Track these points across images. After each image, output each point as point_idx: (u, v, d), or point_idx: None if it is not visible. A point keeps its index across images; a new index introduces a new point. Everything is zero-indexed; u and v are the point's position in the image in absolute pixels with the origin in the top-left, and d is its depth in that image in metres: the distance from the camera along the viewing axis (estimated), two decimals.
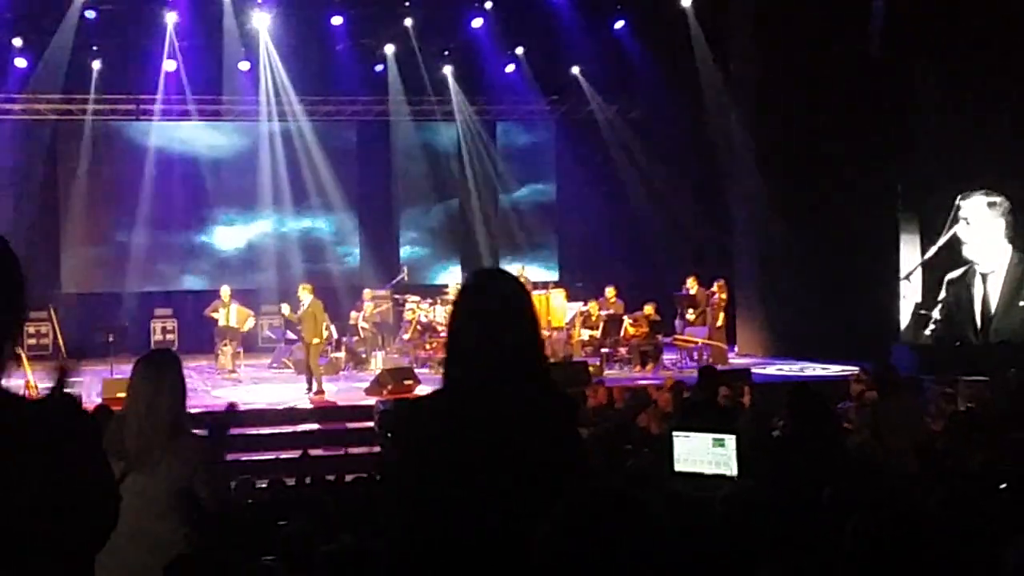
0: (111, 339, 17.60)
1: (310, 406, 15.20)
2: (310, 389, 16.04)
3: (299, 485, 10.07)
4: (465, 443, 2.97)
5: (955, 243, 17.24)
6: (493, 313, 3.05)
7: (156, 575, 4.46)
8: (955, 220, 17.24)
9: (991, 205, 17.03)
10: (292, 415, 14.67)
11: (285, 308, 17.46)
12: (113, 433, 4.50)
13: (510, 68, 22.80)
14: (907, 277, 17.56)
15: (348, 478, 9.72)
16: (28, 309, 2.54)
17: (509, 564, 2.89)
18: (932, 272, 17.51)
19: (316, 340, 16.24)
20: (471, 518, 2.95)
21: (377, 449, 12.22)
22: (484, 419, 2.99)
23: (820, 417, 7.90)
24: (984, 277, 17.13)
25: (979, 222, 17.10)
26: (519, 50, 22.52)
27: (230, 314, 18.34)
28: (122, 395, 12.80)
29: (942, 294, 17.41)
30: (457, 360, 3.09)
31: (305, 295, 16.45)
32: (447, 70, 22.66)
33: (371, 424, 13.63)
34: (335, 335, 19.09)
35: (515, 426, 2.98)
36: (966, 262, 17.20)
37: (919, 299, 17.61)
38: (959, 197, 17.13)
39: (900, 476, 7.62)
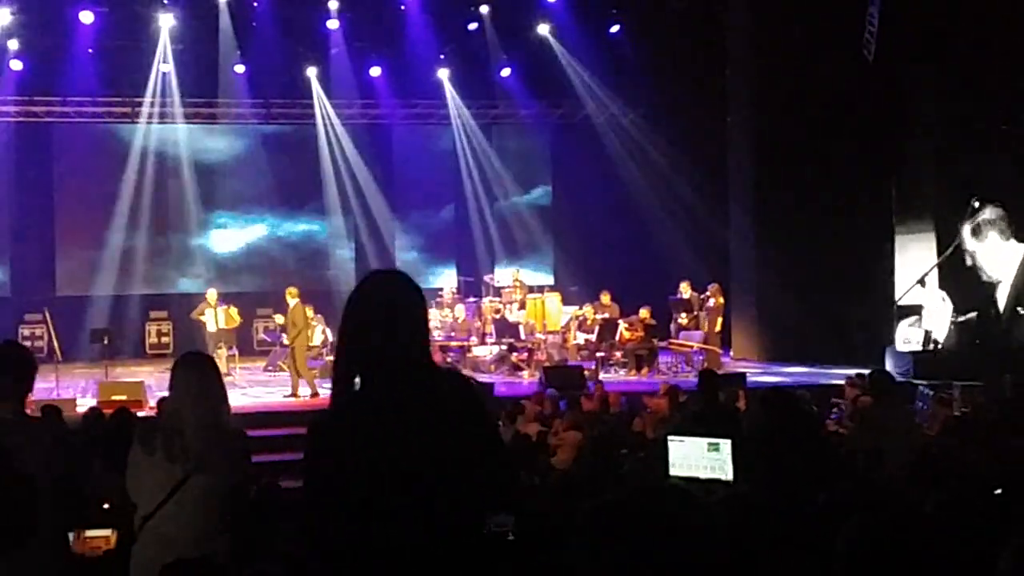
0: (106, 342, 17.60)
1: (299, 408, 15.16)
2: (294, 394, 16.00)
3: (295, 488, 10.06)
4: (375, 445, 3.00)
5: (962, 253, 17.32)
6: (380, 317, 3.10)
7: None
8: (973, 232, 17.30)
9: (990, 223, 17.18)
10: (287, 418, 14.63)
11: (279, 318, 17.46)
12: (170, 439, 4.53)
13: (506, 72, 22.82)
14: (920, 281, 17.53)
15: None
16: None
17: (445, 554, 2.97)
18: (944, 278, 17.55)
19: (297, 343, 16.19)
20: (398, 516, 2.98)
21: None
22: (389, 418, 3.03)
23: (798, 420, 7.92)
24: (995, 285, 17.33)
25: (986, 237, 17.24)
26: (515, 54, 22.52)
27: (217, 316, 18.32)
28: (117, 398, 12.85)
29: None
30: (348, 366, 3.14)
31: (290, 299, 16.47)
32: (443, 74, 22.66)
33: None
34: (331, 338, 19.08)
35: (419, 418, 3.02)
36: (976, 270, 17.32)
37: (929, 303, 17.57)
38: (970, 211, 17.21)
39: (894, 480, 7.65)
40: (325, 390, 16.59)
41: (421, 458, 2.99)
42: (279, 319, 17.47)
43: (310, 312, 18.76)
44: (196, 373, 4.66)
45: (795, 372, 17.86)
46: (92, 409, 11.46)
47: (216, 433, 4.56)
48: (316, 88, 22.15)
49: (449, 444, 3.02)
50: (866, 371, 11.95)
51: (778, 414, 7.92)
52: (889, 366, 15.79)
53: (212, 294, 18.66)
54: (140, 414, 12.62)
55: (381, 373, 3.08)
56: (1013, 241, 17.17)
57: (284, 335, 17.26)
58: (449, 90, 22.81)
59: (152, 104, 21.32)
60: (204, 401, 4.57)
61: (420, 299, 3.21)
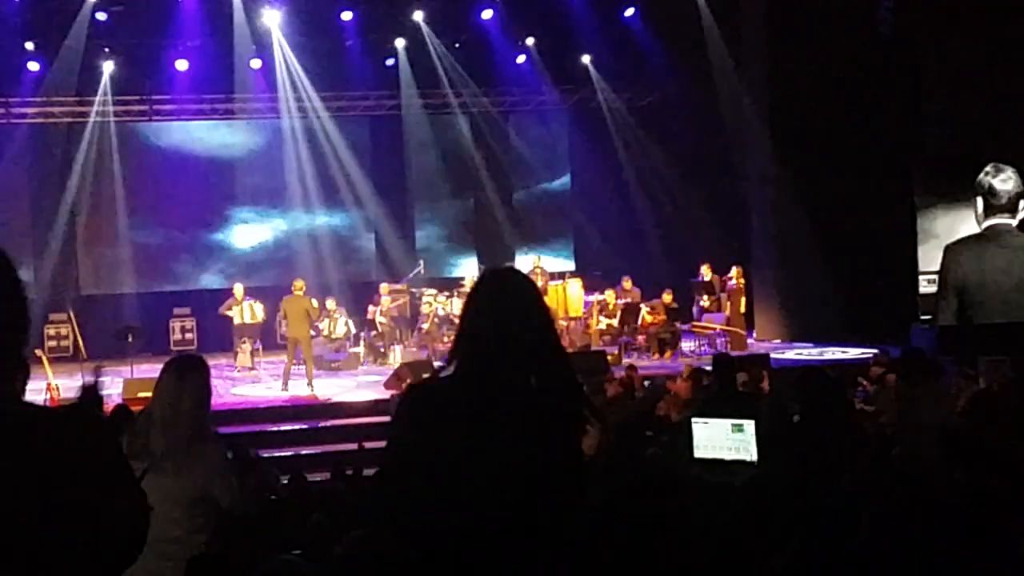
0: (130, 339, 17.68)
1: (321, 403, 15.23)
2: (284, 387, 16.11)
3: (322, 480, 10.12)
4: (468, 427, 3.00)
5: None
6: (510, 305, 3.11)
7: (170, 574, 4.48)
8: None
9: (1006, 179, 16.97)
10: (311, 412, 14.70)
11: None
12: (136, 433, 4.56)
13: (521, 59, 22.78)
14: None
15: (367, 472, 9.74)
16: (31, 322, 2.53)
17: (510, 549, 2.95)
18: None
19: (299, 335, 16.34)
20: (470, 500, 2.97)
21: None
22: (491, 405, 3.02)
23: (832, 401, 7.88)
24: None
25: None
26: (529, 41, 22.50)
27: (244, 311, 18.42)
28: (143, 395, 12.97)
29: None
30: (468, 347, 3.13)
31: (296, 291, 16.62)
32: (458, 63, 22.64)
33: (389, 419, 13.66)
34: (353, 330, 19.15)
35: (518, 416, 3.01)
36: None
37: None
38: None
39: (921, 459, 7.61)
40: (349, 382, 16.70)
41: (508, 458, 2.98)
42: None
43: (332, 304, 18.85)
44: (177, 376, 4.65)
45: (818, 351, 17.80)
46: (119, 406, 11.51)
47: (183, 437, 4.54)
48: (330, 81, 22.13)
49: (539, 453, 3.01)
50: (889, 348, 11.90)
51: (811, 394, 7.89)
52: (915, 342, 15.70)
53: (239, 289, 18.73)
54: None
55: (496, 359, 3.07)
56: None
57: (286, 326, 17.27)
58: (466, 79, 22.77)
59: (171, 101, 21.39)
60: (174, 404, 4.56)
61: (541, 299, 3.24)
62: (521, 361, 3.06)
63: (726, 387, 9.35)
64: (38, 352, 16.22)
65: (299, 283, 16.75)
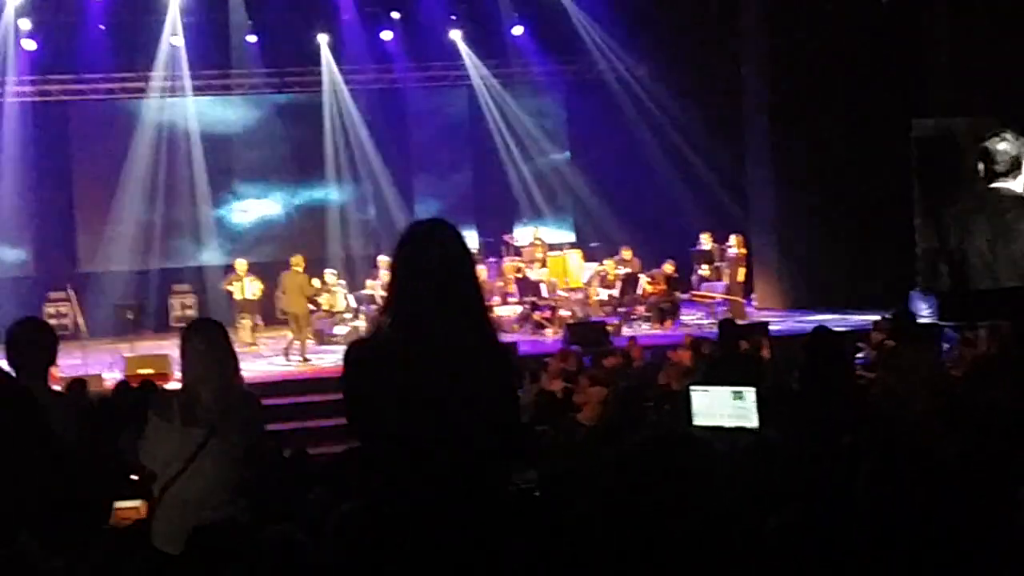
0: (130, 317, 17.68)
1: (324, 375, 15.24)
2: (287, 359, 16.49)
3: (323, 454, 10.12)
4: (405, 385, 3.08)
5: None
6: (433, 267, 3.19)
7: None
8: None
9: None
10: (312, 385, 14.70)
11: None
12: (186, 405, 4.60)
13: (518, 30, 22.68)
14: None
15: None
16: None
17: (469, 500, 3.04)
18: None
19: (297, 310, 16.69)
20: (425, 460, 3.06)
21: None
22: (422, 356, 3.10)
23: (836, 360, 7.89)
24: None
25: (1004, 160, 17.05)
26: (526, 11, 22.37)
27: (245, 287, 18.41)
28: (144, 372, 12.96)
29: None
30: (397, 308, 3.21)
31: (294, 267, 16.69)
32: (455, 34, 22.53)
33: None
34: (353, 304, 19.14)
35: (453, 365, 3.10)
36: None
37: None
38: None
39: (918, 423, 7.62)
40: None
41: (448, 403, 3.06)
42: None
43: (332, 277, 18.83)
44: (205, 338, 4.69)
45: (819, 319, 17.77)
46: (120, 383, 11.54)
47: (230, 396, 4.59)
48: (326, 55, 22.05)
49: (478, 396, 3.09)
50: (890, 315, 11.91)
51: (819, 354, 7.89)
52: (914, 308, 15.72)
53: (241, 265, 18.72)
54: (167, 386, 12.75)
55: (429, 316, 3.14)
56: None
57: (308, 304, 17.34)
58: (464, 51, 22.66)
59: (165, 78, 21.31)
60: (216, 365, 4.61)
61: (467, 249, 3.36)
62: (446, 310, 3.13)
63: (730, 351, 9.36)
64: None
65: (297, 259, 16.76)
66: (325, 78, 22.20)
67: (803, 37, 18.29)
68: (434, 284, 3.15)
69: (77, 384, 10.12)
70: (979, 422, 6.70)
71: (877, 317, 14.39)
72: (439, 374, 3.08)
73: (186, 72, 21.26)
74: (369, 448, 3.24)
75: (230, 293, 18.50)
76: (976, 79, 16.97)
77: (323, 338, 18.23)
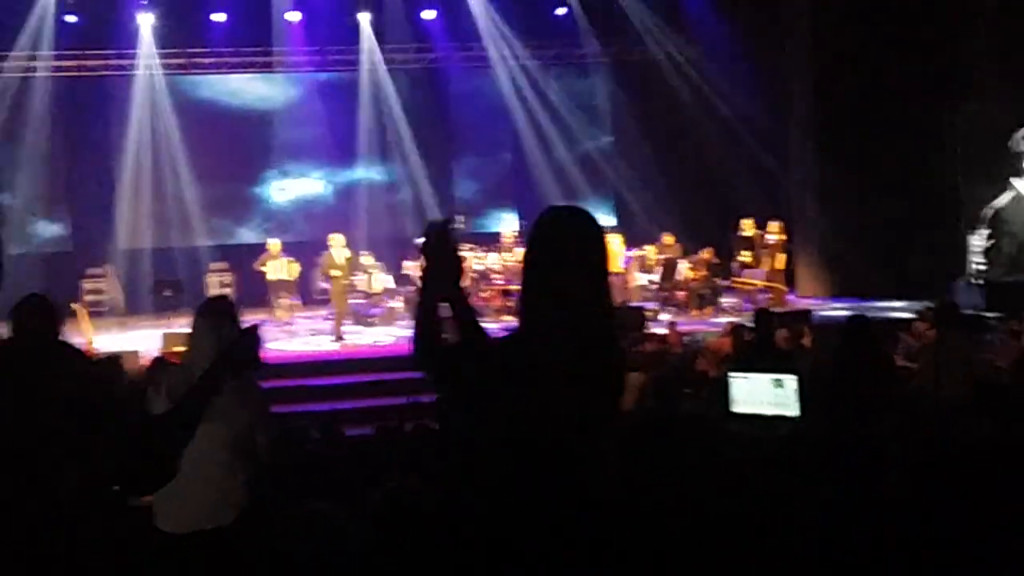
0: (169, 294, 17.72)
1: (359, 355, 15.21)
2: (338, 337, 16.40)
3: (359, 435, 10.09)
4: (522, 391, 2.95)
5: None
6: (580, 258, 3.07)
7: (217, 520, 4.46)
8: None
9: None
10: (348, 366, 14.65)
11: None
12: (177, 380, 4.54)
13: (561, 11, 22.52)
14: None
15: (408, 427, 9.68)
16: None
17: (554, 513, 2.91)
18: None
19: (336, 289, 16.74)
20: (519, 466, 2.93)
21: (432, 397, 12.21)
22: (544, 370, 2.94)
23: (872, 348, 7.77)
24: None
25: None
26: None
27: (279, 267, 18.41)
28: (180, 348, 12.92)
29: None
30: (538, 298, 3.05)
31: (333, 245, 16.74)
32: (496, 15, 22.38)
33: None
34: (391, 285, 19.10)
35: (568, 384, 2.93)
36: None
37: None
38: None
39: (957, 412, 7.48)
40: (388, 336, 16.70)
41: (556, 415, 2.94)
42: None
43: (370, 259, 18.80)
44: (211, 319, 4.63)
45: (862, 307, 17.56)
46: (156, 359, 11.53)
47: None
48: (368, 34, 22.00)
49: (578, 406, 2.96)
50: (934, 304, 11.71)
51: (855, 343, 7.77)
52: (958, 298, 15.48)
53: (275, 244, 18.73)
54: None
55: (560, 311, 3.00)
56: None
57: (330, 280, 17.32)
58: (505, 32, 22.52)
59: (207, 55, 21.33)
60: (215, 347, 4.53)
61: (603, 240, 3.18)
62: (573, 317, 2.98)
63: (767, 340, 9.21)
64: (75, 306, 16.22)
65: (337, 237, 16.75)
66: (365, 57, 22.14)
67: (849, 19, 18.03)
68: (578, 275, 3.04)
69: (111, 361, 10.10)
70: (1019, 413, 6.57)
71: (921, 306, 14.19)
72: (565, 375, 2.94)
73: (235, 49, 21.23)
74: (463, 432, 3.11)
75: (263, 273, 18.49)
76: (1021, 61, 16.69)
77: (359, 319, 18.20)
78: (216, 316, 4.68)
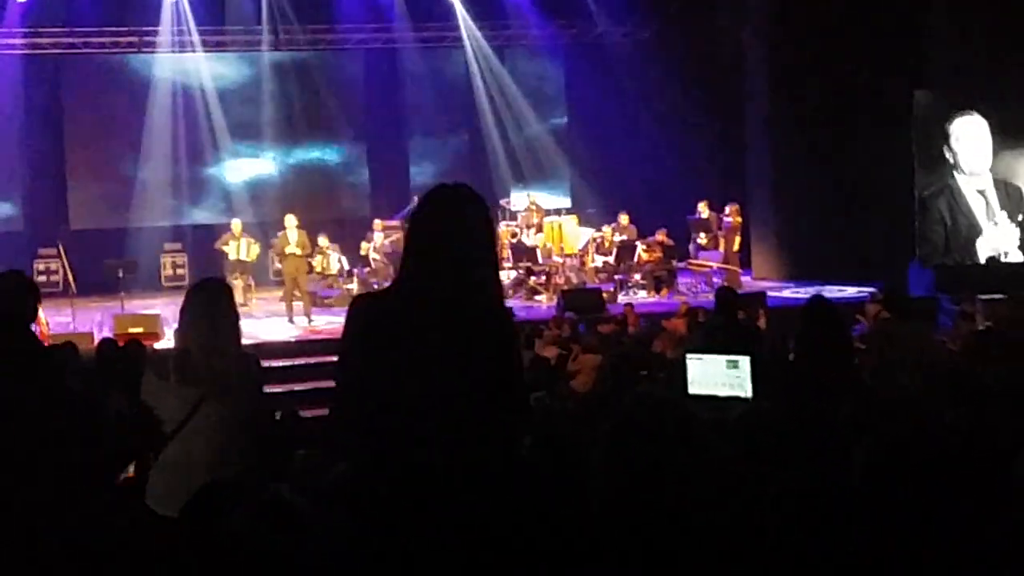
0: (121, 275, 17.54)
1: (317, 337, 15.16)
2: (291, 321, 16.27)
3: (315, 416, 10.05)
4: (401, 341, 3.05)
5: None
6: (454, 222, 3.15)
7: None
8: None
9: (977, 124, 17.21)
10: (305, 348, 14.60)
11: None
12: (181, 364, 4.52)
13: None
14: None
15: None
16: None
17: (464, 469, 2.98)
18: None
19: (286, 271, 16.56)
20: (418, 425, 3.01)
21: None
22: (424, 322, 3.05)
23: (834, 329, 7.81)
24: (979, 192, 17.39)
25: (969, 139, 17.26)
26: None
27: (240, 247, 18.29)
28: (134, 330, 12.84)
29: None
30: (409, 268, 3.19)
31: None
32: None
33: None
34: (346, 267, 19.03)
35: (452, 335, 3.04)
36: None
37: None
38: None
39: (911, 396, 7.55)
40: (334, 317, 16.63)
41: (445, 369, 3.02)
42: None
43: (325, 241, 18.70)
44: (204, 298, 4.62)
45: (816, 290, 17.68)
46: (104, 340, 11.42)
47: (226, 357, 4.51)
48: (326, 13, 21.81)
49: (475, 364, 3.04)
50: (886, 288, 11.83)
51: (816, 322, 7.80)
52: (911, 281, 15.65)
53: (237, 224, 18.59)
54: (156, 346, 12.64)
55: (435, 280, 3.10)
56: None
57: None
58: (461, 12, 22.42)
59: (162, 33, 21.08)
60: (211, 325, 4.53)
61: (487, 215, 3.28)
62: (457, 279, 3.09)
63: (729, 320, 9.25)
64: None
65: (290, 217, 16.65)
66: (323, 37, 21.97)
67: (806, 4, 18.12)
68: (449, 247, 3.11)
69: (68, 346, 9.99)
70: (976, 397, 6.63)
71: (872, 289, 14.33)
72: (437, 333, 3.04)
73: (191, 27, 21.00)
74: (356, 406, 3.17)
75: (224, 253, 18.36)
76: (977, 52, 16.86)
77: (315, 300, 18.12)
78: (216, 296, 4.67)
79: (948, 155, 17.33)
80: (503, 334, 3.17)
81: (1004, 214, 17.44)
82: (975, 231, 17.40)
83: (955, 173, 17.36)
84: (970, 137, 17.29)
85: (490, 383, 3.05)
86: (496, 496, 3.02)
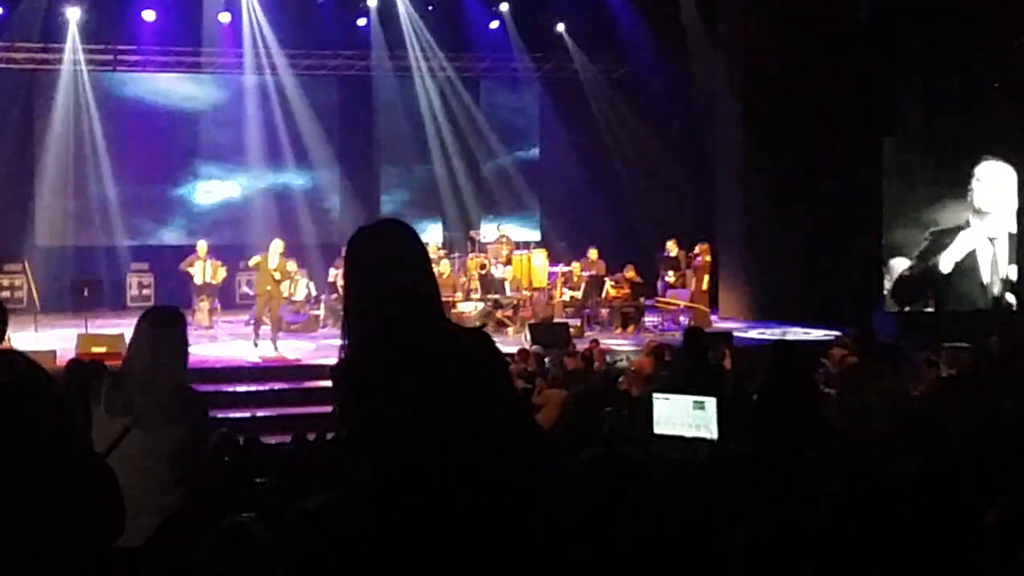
0: (86, 293, 17.41)
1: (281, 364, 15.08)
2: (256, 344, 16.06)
3: (278, 443, 9.98)
4: (388, 393, 2.98)
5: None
6: (374, 265, 3.05)
7: (150, 531, 4.39)
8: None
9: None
10: (269, 373, 14.52)
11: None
12: (113, 389, 4.46)
13: (494, 24, 22.59)
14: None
15: (329, 436, 9.61)
16: None
17: (462, 491, 2.93)
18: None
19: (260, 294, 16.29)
20: (416, 456, 2.95)
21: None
22: (395, 369, 2.99)
23: (799, 373, 7.85)
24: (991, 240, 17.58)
25: (993, 184, 17.51)
26: (504, 6, 22.30)
27: (205, 270, 18.19)
28: (97, 350, 12.71)
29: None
30: (354, 318, 3.10)
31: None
32: (430, 25, 22.36)
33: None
34: (314, 293, 18.97)
35: (428, 365, 2.98)
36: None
37: None
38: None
39: (877, 441, 7.58)
40: (309, 344, 16.57)
41: (439, 413, 2.95)
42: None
43: (293, 266, 18.62)
44: (152, 328, 4.54)
45: (782, 331, 17.79)
46: (71, 361, 11.29)
47: (163, 389, 4.44)
48: (297, 39, 21.83)
49: (466, 399, 2.97)
50: (852, 331, 11.90)
51: (781, 365, 7.84)
52: (877, 326, 15.75)
53: (203, 246, 18.49)
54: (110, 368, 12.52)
55: (392, 326, 3.02)
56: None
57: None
58: (435, 44, 22.48)
59: (134, 52, 21.02)
60: (154, 356, 4.46)
61: (422, 247, 3.16)
62: (402, 318, 3.01)
63: (698, 361, 9.25)
64: None
65: (278, 243, 16.53)
66: (296, 62, 21.97)
67: (778, 49, 18.30)
68: (377, 289, 3.03)
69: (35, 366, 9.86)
70: (937, 444, 6.68)
71: (839, 332, 14.42)
72: (422, 374, 2.97)
73: (163, 48, 20.94)
74: (363, 457, 3.14)
75: (190, 275, 18.26)
76: (948, 98, 17.09)
77: (282, 325, 18.03)
78: (163, 326, 4.60)
79: (968, 196, 17.53)
80: (480, 349, 3.09)
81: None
82: (976, 276, 17.64)
83: (971, 215, 17.60)
84: (992, 183, 17.56)
85: (490, 406, 2.99)
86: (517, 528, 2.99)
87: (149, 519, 4.31)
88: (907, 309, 17.34)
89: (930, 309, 17.46)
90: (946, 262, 17.56)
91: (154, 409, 4.39)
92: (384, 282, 3.02)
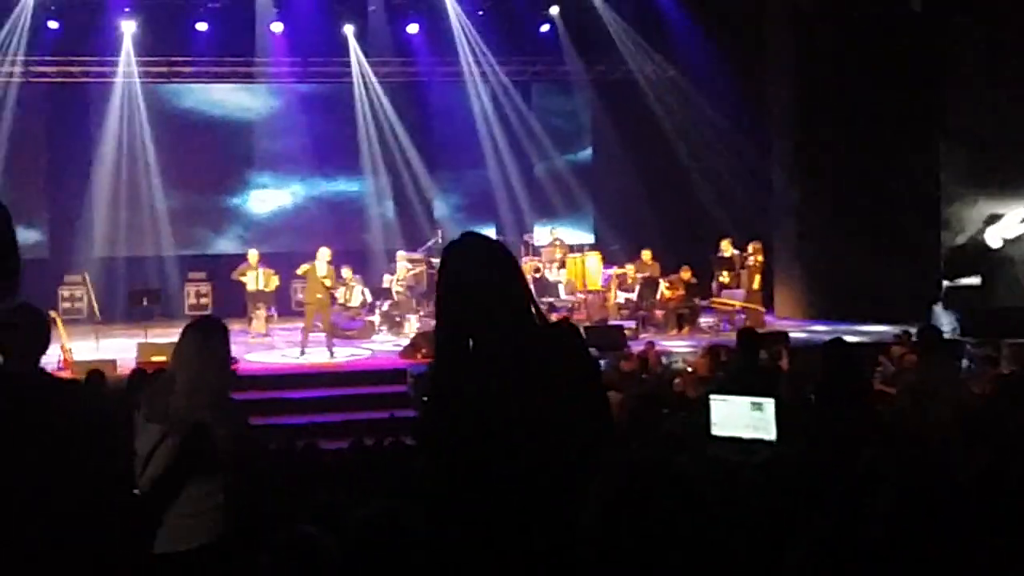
0: (145, 303, 17.63)
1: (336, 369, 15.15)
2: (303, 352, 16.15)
3: (336, 449, 10.05)
4: (480, 397, 3.03)
5: None
6: (466, 274, 3.13)
7: (187, 537, 4.43)
8: None
9: None
10: (325, 379, 14.61)
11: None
12: (155, 396, 4.51)
13: (545, 28, 22.59)
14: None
15: (386, 442, 9.65)
16: (19, 267, 2.50)
17: (546, 506, 2.95)
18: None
19: (310, 302, 16.35)
20: (499, 468, 2.99)
21: (412, 413, 12.22)
22: (491, 370, 3.04)
23: (852, 373, 7.76)
24: None
25: None
26: (554, 9, 22.30)
27: (257, 278, 18.36)
28: (157, 359, 12.87)
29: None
30: (447, 326, 3.17)
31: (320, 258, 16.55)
32: (481, 31, 22.40)
33: (405, 388, 13.63)
34: (369, 298, 19.06)
35: (520, 368, 3.02)
36: None
37: None
38: None
39: (940, 441, 7.49)
40: (364, 351, 16.65)
41: (525, 418, 3.00)
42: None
43: (348, 273, 18.74)
44: (194, 337, 4.60)
45: (839, 330, 17.60)
46: (135, 370, 11.46)
47: (203, 398, 4.48)
48: (353, 46, 22.02)
49: (555, 400, 3.02)
50: (912, 329, 11.77)
51: (835, 366, 7.76)
52: (935, 323, 15.55)
53: (253, 255, 18.68)
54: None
55: (486, 332, 3.10)
56: None
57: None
58: (485, 48, 22.52)
59: (189, 64, 21.26)
60: (195, 365, 4.50)
61: (511, 257, 3.23)
62: (495, 325, 3.08)
63: (751, 362, 9.18)
64: (52, 314, 16.12)
65: (324, 251, 16.64)
66: (348, 69, 22.11)
67: (831, 44, 18.14)
68: (469, 299, 3.11)
69: (95, 374, 10.07)
70: (1001, 443, 6.57)
71: (898, 330, 14.25)
72: (498, 384, 3.03)
73: (217, 58, 21.16)
74: (440, 467, 3.17)
75: (243, 283, 18.44)
76: (1004, 88, 16.81)
77: (337, 331, 18.15)
78: (207, 334, 4.65)
79: None
80: (570, 342, 3.16)
81: None
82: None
83: None
84: None
85: (578, 405, 3.04)
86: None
87: (181, 520, 4.37)
88: (953, 283, 17.04)
89: (975, 281, 17.07)
90: (993, 237, 17.20)
91: (196, 416, 4.44)
92: (476, 288, 3.10)
